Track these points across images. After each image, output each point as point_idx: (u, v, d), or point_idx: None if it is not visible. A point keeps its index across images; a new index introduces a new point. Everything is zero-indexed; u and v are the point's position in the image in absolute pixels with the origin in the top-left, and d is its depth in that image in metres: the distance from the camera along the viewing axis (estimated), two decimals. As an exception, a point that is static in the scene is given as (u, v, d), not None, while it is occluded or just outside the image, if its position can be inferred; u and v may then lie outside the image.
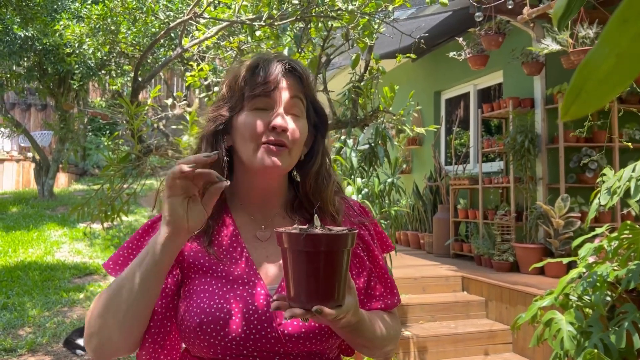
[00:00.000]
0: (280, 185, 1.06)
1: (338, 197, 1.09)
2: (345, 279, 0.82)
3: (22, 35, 7.60)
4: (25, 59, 8.30)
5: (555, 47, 4.07)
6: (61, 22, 5.62)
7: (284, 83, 1.00)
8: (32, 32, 7.52)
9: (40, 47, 7.83)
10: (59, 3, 7.14)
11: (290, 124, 0.98)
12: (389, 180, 3.14)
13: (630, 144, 4.62)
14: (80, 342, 4.02)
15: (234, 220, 1.04)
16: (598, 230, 2.56)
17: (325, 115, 1.09)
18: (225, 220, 1.04)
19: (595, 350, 2.06)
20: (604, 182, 2.39)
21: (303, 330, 0.94)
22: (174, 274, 0.98)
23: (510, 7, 4.30)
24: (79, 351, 3.97)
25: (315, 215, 0.86)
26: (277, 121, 0.96)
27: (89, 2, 6.11)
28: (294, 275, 0.81)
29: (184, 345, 1.00)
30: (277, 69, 0.99)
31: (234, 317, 0.92)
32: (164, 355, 0.97)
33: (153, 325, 0.94)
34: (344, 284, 0.82)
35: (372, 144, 3.12)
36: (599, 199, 2.33)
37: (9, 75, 8.82)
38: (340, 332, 0.93)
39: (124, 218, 3.09)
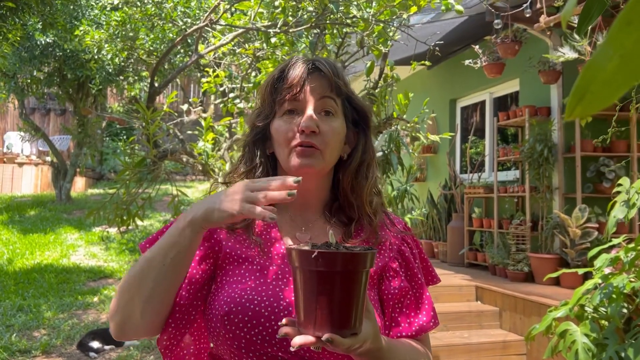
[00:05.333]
0: (319, 187, 1.04)
1: (377, 198, 1.06)
2: (362, 304, 0.74)
3: (43, 41, 7.75)
4: (46, 64, 8.45)
5: (572, 55, 4.03)
6: (81, 28, 5.72)
7: (310, 84, 0.99)
8: (53, 39, 7.66)
9: (60, 53, 7.97)
10: (79, 10, 7.27)
11: (321, 125, 0.98)
12: (402, 187, 3.13)
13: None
14: (94, 344, 4.06)
15: None
16: (615, 241, 2.52)
17: (364, 110, 1.06)
18: None
19: (611, 363, 2.02)
20: (619, 192, 2.36)
21: None
22: (207, 262, 0.97)
23: (527, 15, 4.27)
24: (92, 354, 4.00)
25: (330, 232, 0.79)
26: (305, 124, 0.96)
27: (108, 9, 6.20)
28: (304, 297, 0.72)
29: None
30: (301, 71, 0.99)
31: (262, 310, 0.89)
32: (185, 345, 0.97)
33: (178, 311, 0.93)
34: (361, 309, 0.74)
35: (386, 152, 3.12)
36: (617, 212, 2.29)
37: (29, 81, 8.98)
38: None
39: (139, 223, 3.12)
